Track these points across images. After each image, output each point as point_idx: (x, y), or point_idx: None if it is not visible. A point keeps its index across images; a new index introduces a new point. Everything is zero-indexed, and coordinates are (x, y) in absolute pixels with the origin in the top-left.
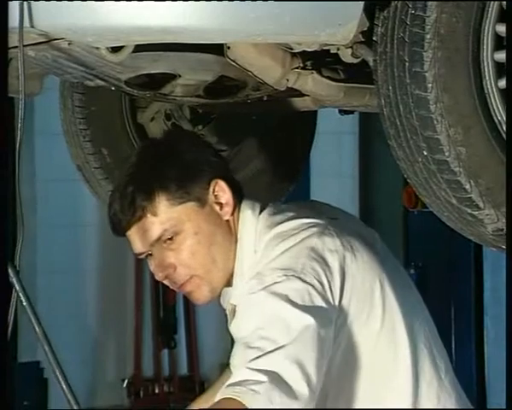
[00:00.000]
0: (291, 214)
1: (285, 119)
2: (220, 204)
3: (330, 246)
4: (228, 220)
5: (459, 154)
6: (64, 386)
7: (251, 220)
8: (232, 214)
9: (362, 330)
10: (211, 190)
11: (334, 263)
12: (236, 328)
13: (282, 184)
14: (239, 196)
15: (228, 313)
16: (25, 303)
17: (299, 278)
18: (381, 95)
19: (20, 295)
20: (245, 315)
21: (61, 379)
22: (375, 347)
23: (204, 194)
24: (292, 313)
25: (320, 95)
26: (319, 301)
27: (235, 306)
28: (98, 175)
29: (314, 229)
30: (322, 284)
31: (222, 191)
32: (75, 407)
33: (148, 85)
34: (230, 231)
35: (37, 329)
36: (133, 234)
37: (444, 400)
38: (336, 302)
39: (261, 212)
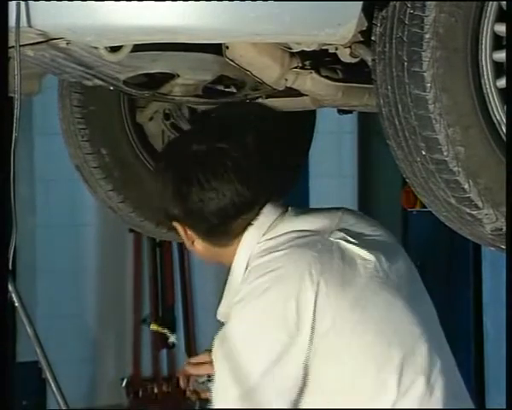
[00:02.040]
0: (286, 240)
1: (284, 118)
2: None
3: (302, 296)
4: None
5: (458, 153)
6: (54, 387)
7: (248, 246)
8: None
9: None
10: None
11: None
12: None
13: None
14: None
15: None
16: (17, 304)
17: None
18: (380, 94)
19: (13, 295)
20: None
21: (51, 380)
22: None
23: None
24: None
25: (319, 94)
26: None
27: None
28: (97, 175)
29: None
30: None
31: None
32: (64, 408)
33: (147, 85)
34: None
35: (28, 329)
36: None
37: None
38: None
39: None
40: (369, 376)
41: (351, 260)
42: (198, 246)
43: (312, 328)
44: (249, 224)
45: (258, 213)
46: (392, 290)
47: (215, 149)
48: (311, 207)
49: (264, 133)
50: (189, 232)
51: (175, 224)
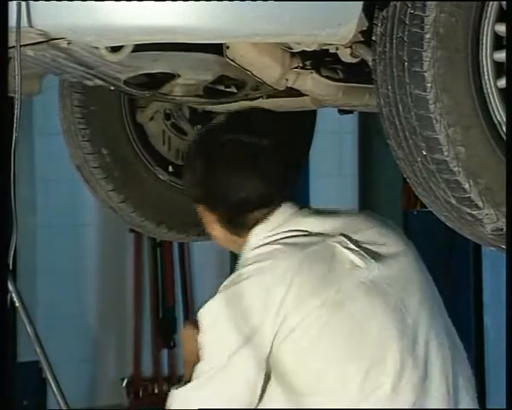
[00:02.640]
0: (283, 237)
1: (284, 118)
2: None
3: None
4: None
5: (458, 153)
6: (54, 387)
7: (254, 240)
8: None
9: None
10: None
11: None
12: None
13: None
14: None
15: None
16: (17, 304)
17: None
18: (381, 94)
19: (13, 295)
20: None
21: (51, 380)
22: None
23: None
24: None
25: (319, 94)
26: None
27: None
28: (97, 175)
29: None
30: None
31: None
32: (64, 408)
33: (148, 85)
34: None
35: (29, 329)
36: None
37: None
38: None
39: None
40: (330, 378)
41: (340, 264)
42: (216, 231)
43: (274, 324)
44: (263, 219)
45: (272, 211)
46: (375, 298)
47: (245, 143)
48: (311, 206)
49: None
50: (210, 217)
51: (198, 206)
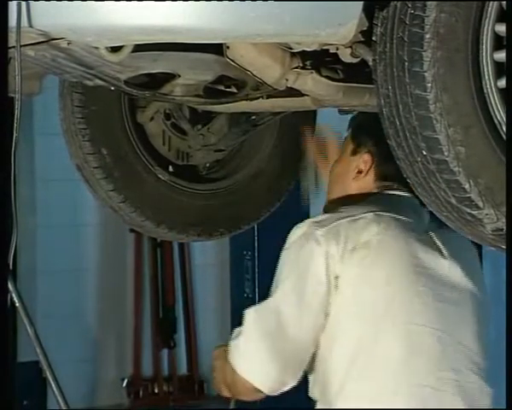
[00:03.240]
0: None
1: (285, 118)
2: None
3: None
4: None
5: (458, 153)
6: (54, 387)
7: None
8: None
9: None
10: None
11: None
12: None
13: (282, 184)
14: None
15: None
16: (18, 304)
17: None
18: (381, 94)
19: (13, 295)
20: None
21: (51, 380)
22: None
23: None
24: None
25: (319, 94)
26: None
27: None
28: (98, 175)
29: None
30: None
31: None
32: (64, 408)
33: (148, 85)
34: None
35: (29, 329)
36: None
37: None
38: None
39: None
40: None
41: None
42: (360, 179)
43: (336, 278)
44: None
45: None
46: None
47: None
48: (310, 205)
49: None
50: (370, 166)
51: (367, 155)
